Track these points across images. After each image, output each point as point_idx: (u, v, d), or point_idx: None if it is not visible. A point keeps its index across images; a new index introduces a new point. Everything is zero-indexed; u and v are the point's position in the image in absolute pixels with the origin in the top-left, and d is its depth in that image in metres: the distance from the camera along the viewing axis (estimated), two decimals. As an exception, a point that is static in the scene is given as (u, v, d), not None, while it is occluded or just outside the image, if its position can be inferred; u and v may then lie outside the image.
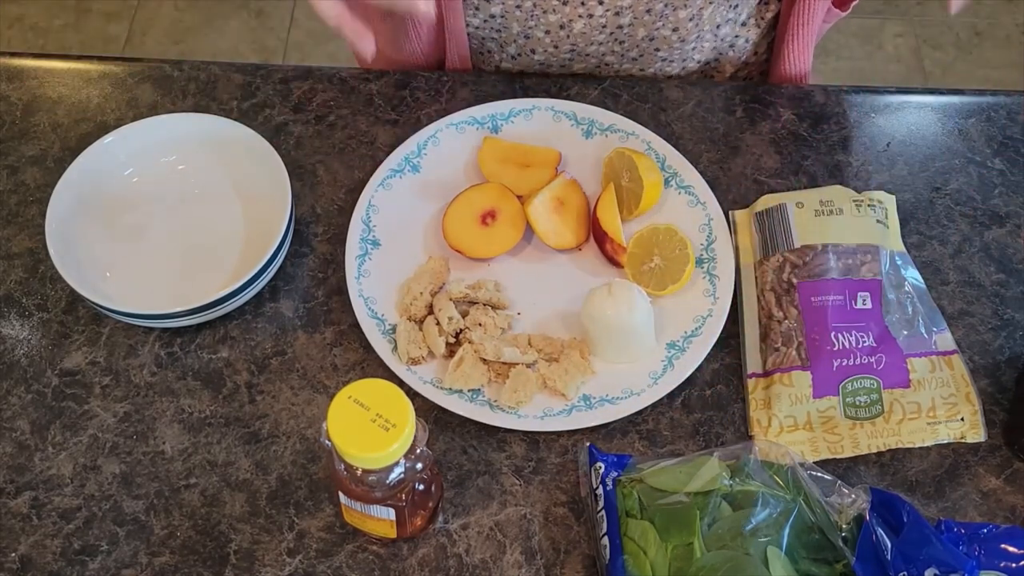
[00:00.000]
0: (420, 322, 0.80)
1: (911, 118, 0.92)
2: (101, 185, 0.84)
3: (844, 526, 0.65)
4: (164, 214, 0.85)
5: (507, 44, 0.95)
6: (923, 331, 0.78)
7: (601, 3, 0.88)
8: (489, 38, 0.95)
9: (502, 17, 0.91)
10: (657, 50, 0.94)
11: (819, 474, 0.68)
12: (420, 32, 0.94)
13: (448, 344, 0.78)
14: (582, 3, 0.88)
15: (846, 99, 0.93)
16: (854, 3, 0.93)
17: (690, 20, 0.91)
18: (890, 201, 0.85)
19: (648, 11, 0.89)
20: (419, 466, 0.65)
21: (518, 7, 0.90)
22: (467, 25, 0.94)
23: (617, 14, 0.89)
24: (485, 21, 0.92)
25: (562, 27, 0.91)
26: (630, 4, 0.88)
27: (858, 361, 0.76)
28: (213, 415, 0.77)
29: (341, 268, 0.82)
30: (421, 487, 0.67)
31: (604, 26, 0.90)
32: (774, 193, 0.85)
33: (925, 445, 0.75)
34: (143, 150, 0.85)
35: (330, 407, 0.61)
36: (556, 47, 0.93)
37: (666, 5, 0.89)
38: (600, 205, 0.83)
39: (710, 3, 0.90)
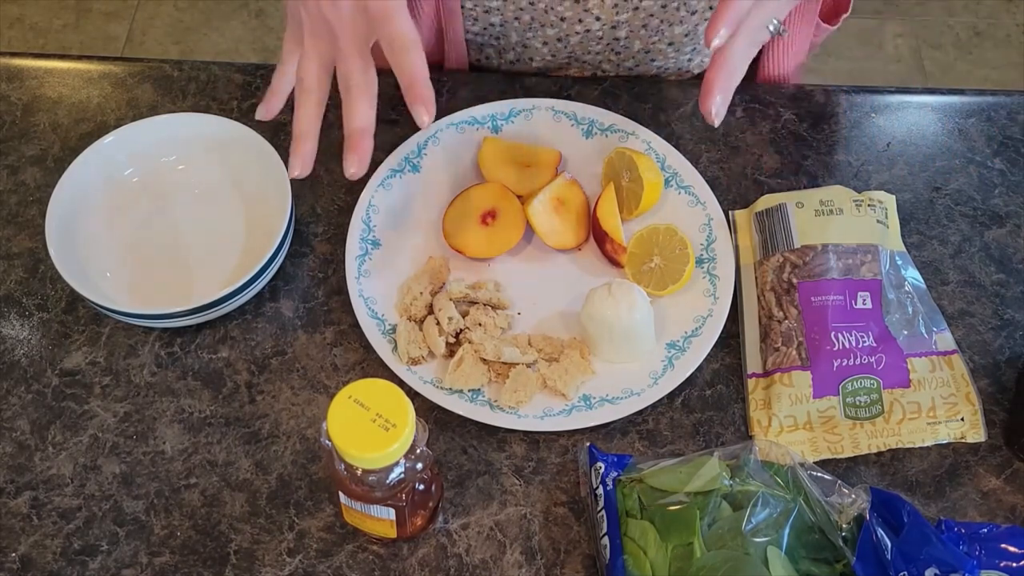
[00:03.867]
0: (420, 322, 0.80)
1: (911, 118, 0.92)
2: (101, 185, 0.84)
3: (844, 526, 0.65)
4: (164, 214, 0.85)
5: (505, 51, 0.95)
6: (923, 331, 0.78)
7: (598, 19, 0.89)
8: (488, 44, 0.96)
9: (501, 27, 0.92)
10: (653, 60, 0.95)
11: (819, 474, 0.68)
12: (421, 35, 0.95)
13: (448, 344, 0.78)
14: (579, 20, 0.89)
15: (846, 99, 0.93)
16: (844, 16, 0.93)
17: (685, 35, 0.92)
18: (890, 201, 0.85)
19: (644, 27, 0.90)
20: (419, 466, 0.65)
21: (517, 19, 0.90)
22: (466, 32, 0.94)
23: (614, 27, 0.90)
24: (484, 29, 0.93)
25: (559, 40, 0.91)
26: (626, 19, 0.89)
27: (858, 361, 0.76)
28: (213, 415, 0.77)
29: (341, 268, 0.82)
30: (421, 487, 0.67)
31: (601, 38, 0.91)
32: (774, 193, 0.85)
33: (925, 445, 0.75)
34: (143, 150, 0.85)
35: (330, 407, 0.61)
36: (553, 56, 0.94)
37: (662, 21, 0.90)
38: (600, 205, 0.83)
39: (704, 20, 0.90)
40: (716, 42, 0.67)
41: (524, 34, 0.92)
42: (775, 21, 0.71)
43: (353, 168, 0.70)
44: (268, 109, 0.79)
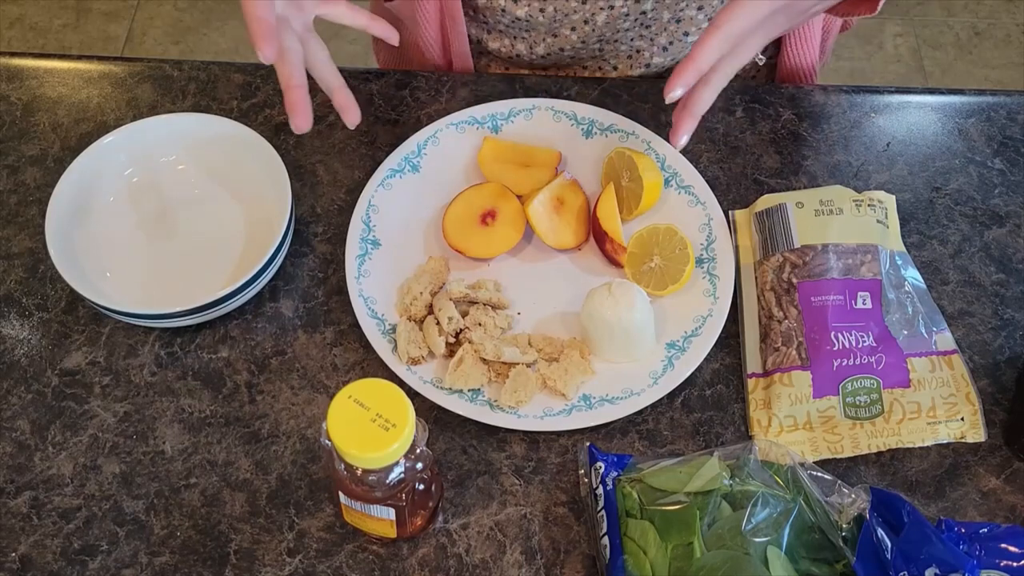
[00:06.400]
0: (420, 322, 0.80)
1: (911, 118, 0.92)
2: (101, 185, 0.84)
3: (844, 526, 0.65)
4: (164, 214, 0.85)
5: (536, 44, 0.95)
6: (923, 331, 0.78)
7: None
8: (519, 38, 0.95)
9: (527, 20, 0.92)
10: (686, 33, 0.94)
11: (819, 474, 0.68)
12: (429, 46, 0.96)
13: (448, 344, 0.78)
14: None
15: (846, 99, 0.93)
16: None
17: None
18: (890, 201, 0.85)
19: None
20: (419, 466, 0.65)
21: (542, 11, 0.90)
22: (496, 23, 0.94)
23: (638, 1, 0.89)
24: (513, 22, 0.93)
25: (586, 22, 0.91)
26: None
27: (858, 361, 0.76)
28: (213, 415, 0.77)
29: (341, 268, 0.82)
30: (421, 487, 0.67)
31: (627, 14, 0.90)
32: (774, 193, 0.85)
33: (925, 445, 0.75)
34: (143, 150, 0.85)
35: (330, 407, 0.61)
36: (584, 42, 0.93)
37: None
38: (600, 205, 0.83)
39: None
40: (671, 98, 0.74)
41: (551, 24, 0.92)
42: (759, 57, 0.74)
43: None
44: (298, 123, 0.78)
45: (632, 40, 0.94)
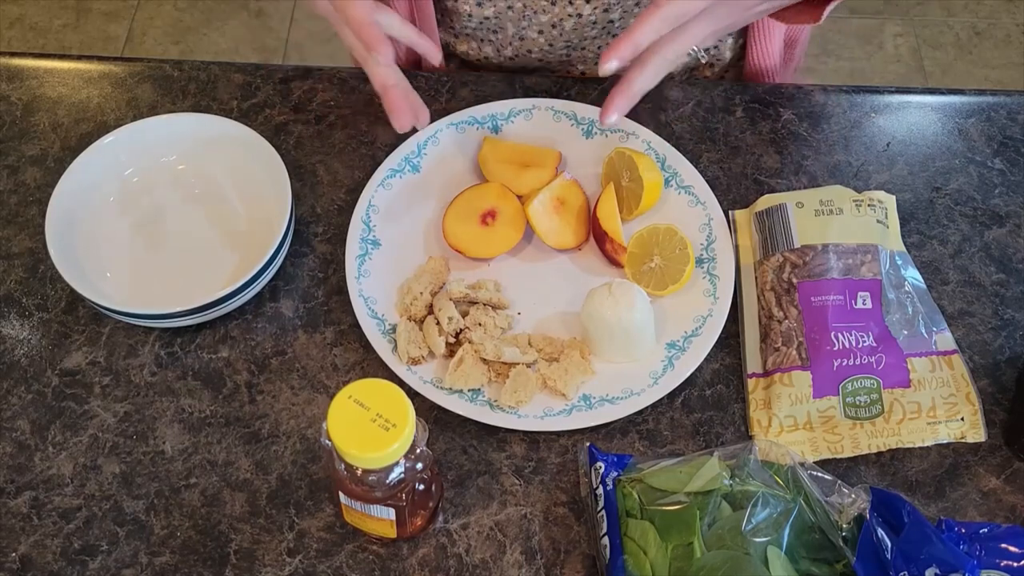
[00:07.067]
0: (420, 322, 0.80)
1: (911, 118, 0.92)
2: (101, 185, 0.84)
3: (844, 526, 0.65)
4: (164, 214, 0.85)
5: (503, 47, 0.95)
6: (923, 331, 0.78)
7: (588, 1, 0.89)
8: (487, 41, 0.96)
9: (496, 19, 0.92)
10: None
11: (819, 474, 0.68)
12: (398, 47, 0.96)
13: (448, 344, 0.78)
14: (570, 2, 0.89)
15: (846, 99, 0.93)
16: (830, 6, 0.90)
17: None
18: (890, 201, 0.85)
19: (637, 4, 0.89)
20: (419, 466, 0.65)
21: (510, 8, 0.90)
22: (464, 28, 0.95)
23: (606, 10, 0.90)
24: (481, 23, 0.93)
25: (554, 26, 0.91)
26: (618, 0, 0.89)
27: (858, 361, 0.76)
28: (213, 415, 0.77)
29: (341, 268, 0.82)
30: (421, 487, 0.67)
31: (595, 22, 0.91)
32: (774, 193, 0.85)
33: (925, 445, 0.75)
34: (143, 150, 0.85)
35: (330, 407, 0.61)
36: (551, 45, 0.94)
37: None
38: (600, 205, 0.83)
39: None
40: (605, 70, 0.72)
41: (519, 24, 0.92)
42: (694, 49, 0.74)
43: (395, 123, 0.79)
44: (401, 123, 0.80)
45: (599, 47, 0.95)
